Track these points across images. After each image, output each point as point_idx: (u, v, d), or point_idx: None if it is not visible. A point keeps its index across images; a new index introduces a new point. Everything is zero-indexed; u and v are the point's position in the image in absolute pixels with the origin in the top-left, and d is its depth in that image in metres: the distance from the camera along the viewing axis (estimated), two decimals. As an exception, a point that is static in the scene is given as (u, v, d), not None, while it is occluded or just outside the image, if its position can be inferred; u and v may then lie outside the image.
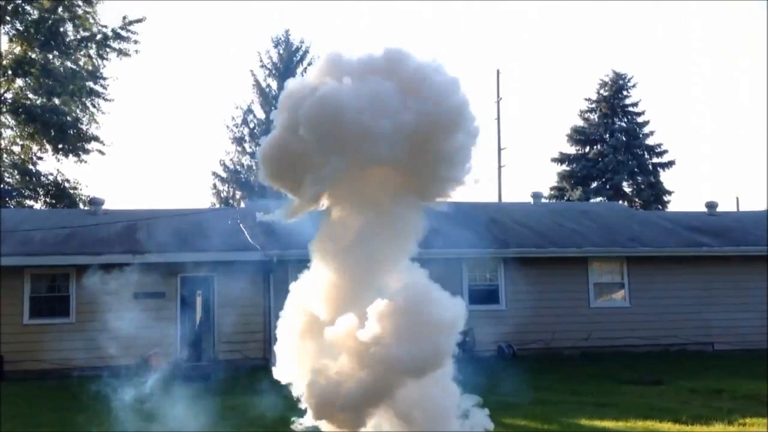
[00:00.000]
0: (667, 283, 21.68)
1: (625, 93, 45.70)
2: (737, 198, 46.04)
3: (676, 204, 45.15)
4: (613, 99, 45.49)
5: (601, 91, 46.03)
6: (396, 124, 7.73)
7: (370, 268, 8.25)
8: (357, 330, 7.69)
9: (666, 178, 45.18)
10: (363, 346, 7.55)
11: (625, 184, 44.29)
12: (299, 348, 8.34)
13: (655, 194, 44.00)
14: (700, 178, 67.86)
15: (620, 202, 40.19)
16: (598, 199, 42.72)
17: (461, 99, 8.26)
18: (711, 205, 26.68)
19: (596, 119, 45.75)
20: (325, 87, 7.77)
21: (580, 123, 46.06)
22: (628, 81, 45.77)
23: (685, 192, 71.38)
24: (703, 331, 21.52)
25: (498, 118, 39.92)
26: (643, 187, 44.12)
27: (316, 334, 8.14)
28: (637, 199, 43.87)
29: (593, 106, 46.12)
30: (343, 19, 71.73)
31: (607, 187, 43.63)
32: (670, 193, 44.80)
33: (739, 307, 21.72)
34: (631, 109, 45.61)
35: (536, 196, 27.14)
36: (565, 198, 43.98)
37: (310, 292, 8.44)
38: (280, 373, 8.22)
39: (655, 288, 21.62)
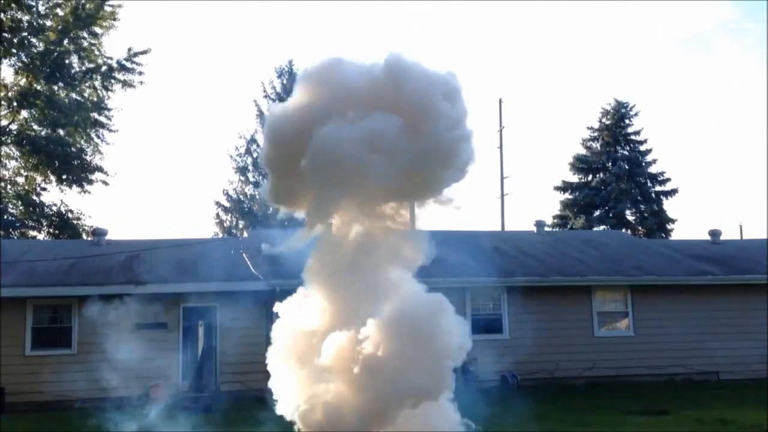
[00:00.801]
0: (672, 312, 21.56)
1: (627, 121, 45.85)
2: (741, 226, 46.01)
3: (679, 232, 45.13)
4: (615, 127, 45.62)
5: (603, 120, 46.20)
6: (393, 161, 7.90)
7: (369, 282, 8.22)
8: (352, 350, 7.62)
9: (669, 206, 45.20)
10: (359, 368, 7.47)
11: (628, 212, 44.25)
12: (293, 375, 8.28)
13: (659, 222, 43.93)
14: (704, 206, 67.83)
15: (623, 230, 40.13)
16: (602, 227, 42.66)
17: (461, 135, 8.35)
18: (714, 233, 26.60)
19: (599, 148, 45.84)
20: (325, 130, 7.86)
21: (583, 151, 46.18)
22: (630, 109, 45.95)
23: (689, 220, 71.31)
24: (708, 360, 21.35)
25: (501, 147, 40.04)
26: (646, 215, 44.07)
27: (309, 357, 8.08)
28: (640, 228, 43.81)
29: (595, 134, 46.26)
30: (343, 33, 72.20)
31: (610, 215, 43.58)
32: (673, 221, 44.72)
33: (745, 336, 21.58)
34: (633, 137, 45.72)
35: (539, 224, 27.10)
36: (568, 226, 43.95)
37: (303, 315, 8.42)
38: (283, 408, 8.15)
39: (660, 317, 21.50)
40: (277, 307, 8.72)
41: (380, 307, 7.82)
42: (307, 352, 8.10)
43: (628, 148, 45.72)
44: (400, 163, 7.97)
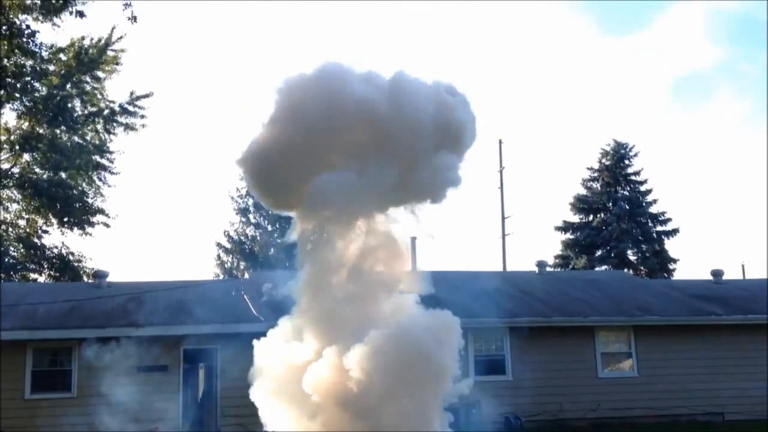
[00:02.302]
0: (676, 353, 21.42)
1: (627, 162, 46.02)
2: (743, 265, 45.85)
3: (681, 272, 44.99)
4: (615, 168, 45.78)
5: (603, 160, 46.38)
6: (385, 202, 8.18)
7: (362, 310, 8.28)
8: (337, 383, 7.55)
9: (670, 245, 45.13)
10: (343, 405, 7.40)
11: (629, 252, 44.17)
12: (284, 411, 8.22)
13: (660, 262, 43.83)
14: (705, 245, 67.74)
15: (625, 270, 40.03)
16: (603, 267, 42.57)
17: (452, 179, 8.66)
18: (717, 273, 26.53)
19: (599, 188, 45.95)
20: (326, 178, 8.06)
21: (583, 191, 46.28)
22: (630, 150, 46.14)
23: (690, 260, 71.16)
24: (713, 401, 21.15)
25: (501, 187, 40.12)
26: (648, 255, 43.99)
27: (300, 391, 8.03)
28: (642, 268, 43.70)
29: (595, 174, 46.40)
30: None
31: (612, 255, 43.52)
32: (675, 261, 44.63)
33: (749, 377, 21.39)
34: (633, 177, 45.86)
35: (541, 264, 27.05)
36: (570, 266, 43.86)
37: (292, 348, 8.39)
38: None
39: (664, 357, 21.35)
40: (258, 345, 8.76)
41: (370, 336, 7.79)
42: (298, 386, 8.06)
43: (628, 189, 45.83)
44: (391, 200, 8.32)
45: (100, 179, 34.33)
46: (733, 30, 69.69)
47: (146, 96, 34.12)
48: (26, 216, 33.50)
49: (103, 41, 33.04)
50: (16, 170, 32.86)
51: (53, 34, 37.99)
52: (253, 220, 40.79)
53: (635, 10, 69.64)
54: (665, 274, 43.10)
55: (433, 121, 8.44)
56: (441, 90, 9.21)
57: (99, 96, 33.84)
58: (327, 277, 8.37)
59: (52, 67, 32.54)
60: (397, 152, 8.20)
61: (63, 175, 33.20)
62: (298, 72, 8.81)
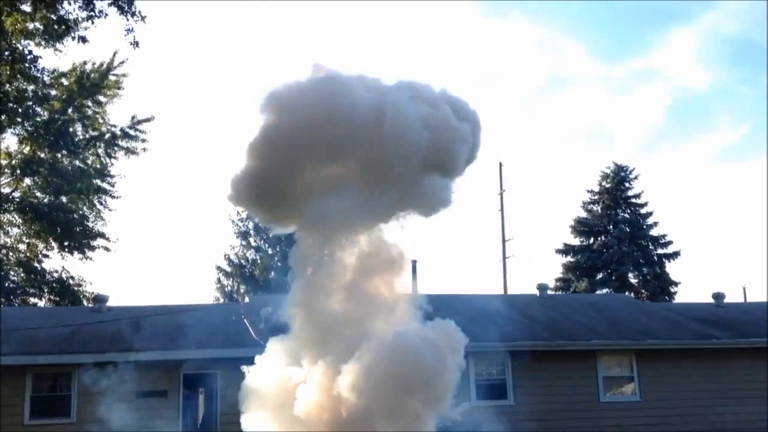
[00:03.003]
0: (678, 376, 21.32)
1: (627, 185, 46.06)
2: (744, 288, 45.72)
3: (682, 295, 44.92)
4: (616, 191, 45.82)
5: (603, 183, 46.42)
6: (379, 219, 8.28)
7: (363, 309, 8.32)
8: (329, 406, 7.51)
9: (671, 268, 45.06)
10: (338, 423, 7.35)
11: (630, 275, 44.09)
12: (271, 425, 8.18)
13: (662, 285, 43.73)
14: (706, 268, 67.60)
15: (627, 293, 39.92)
16: (604, 290, 42.47)
17: (445, 199, 8.79)
18: (718, 297, 26.46)
19: (599, 211, 45.95)
20: (326, 201, 8.12)
21: (584, 214, 46.28)
22: (630, 173, 46.20)
23: (692, 283, 71.04)
24: (716, 425, 21.01)
25: (501, 210, 40.09)
26: (649, 278, 43.90)
27: (289, 411, 7.99)
28: (643, 291, 43.59)
29: (596, 197, 46.43)
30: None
31: (613, 278, 43.43)
32: (676, 284, 44.53)
33: (753, 401, 21.27)
34: (633, 200, 45.88)
35: (542, 288, 26.99)
36: (571, 289, 43.76)
37: (285, 368, 8.36)
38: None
39: (666, 381, 21.25)
40: (249, 371, 8.71)
41: (362, 350, 7.76)
42: (290, 409, 8.02)
43: (629, 211, 45.83)
44: (386, 216, 8.49)
45: (101, 203, 34.31)
46: (731, 53, 70.10)
47: (147, 120, 34.19)
48: (26, 240, 33.47)
49: (104, 66, 33.17)
50: (17, 194, 32.84)
51: (55, 59, 38.10)
52: (253, 244, 40.80)
53: (634, 35, 70.09)
54: (666, 297, 43.00)
55: (427, 150, 8.45)
56: (447, 110, 9.02)
57: (100, 120, 33.89)
58: (324, 295, 8.37)
59: (53, 92, 32.61)
60: (390, 174, 8.25)
61: (64, 199, 33.18)
62: (286, 86, 8.81)
